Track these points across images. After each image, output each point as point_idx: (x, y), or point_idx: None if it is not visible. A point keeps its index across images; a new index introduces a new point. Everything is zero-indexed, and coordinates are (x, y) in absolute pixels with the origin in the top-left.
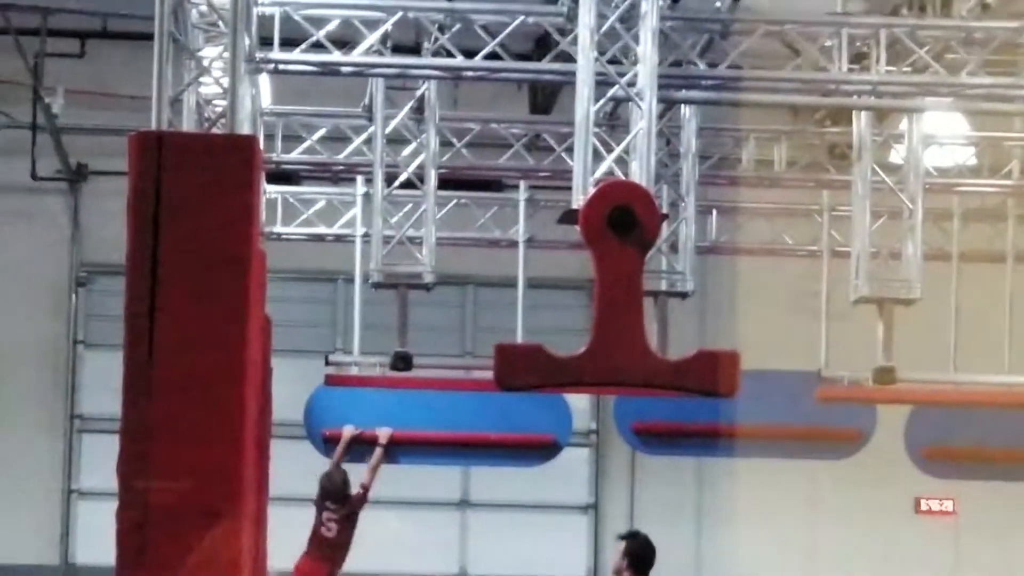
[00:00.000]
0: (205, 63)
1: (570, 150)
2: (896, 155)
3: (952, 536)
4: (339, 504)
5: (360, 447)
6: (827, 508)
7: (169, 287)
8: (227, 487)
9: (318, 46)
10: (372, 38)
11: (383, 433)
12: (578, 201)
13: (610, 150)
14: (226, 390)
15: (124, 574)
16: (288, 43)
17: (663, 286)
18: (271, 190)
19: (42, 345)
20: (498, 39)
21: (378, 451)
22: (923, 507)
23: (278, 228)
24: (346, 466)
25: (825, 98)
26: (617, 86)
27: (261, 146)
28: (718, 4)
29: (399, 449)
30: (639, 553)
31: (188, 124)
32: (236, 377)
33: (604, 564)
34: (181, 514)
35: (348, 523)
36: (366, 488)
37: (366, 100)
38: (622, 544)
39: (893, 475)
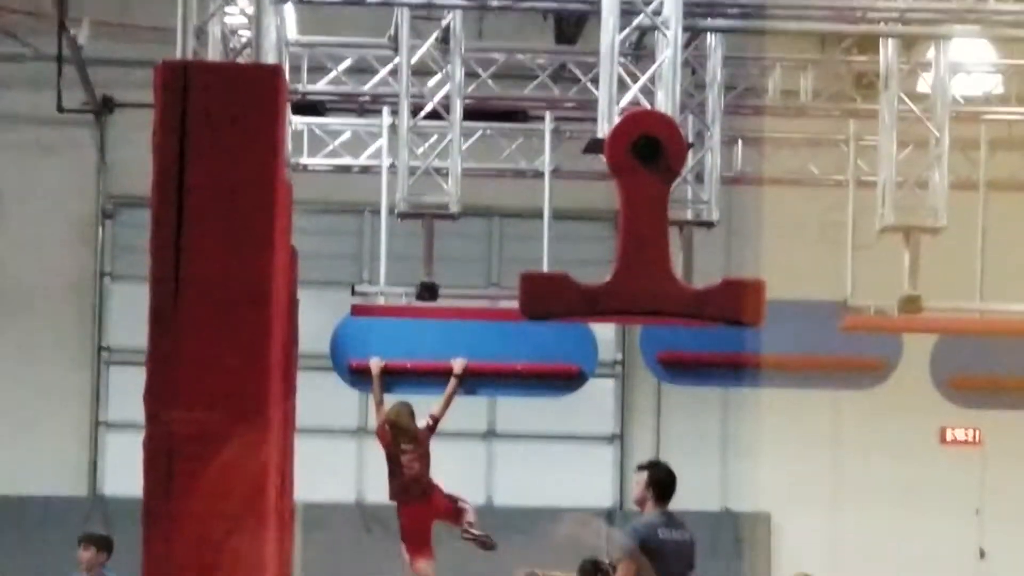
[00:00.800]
0: None
1: (596, 80)
2: (923, 84)
3: (978, 467)
4: (413, 442)
5: (391, 379)
6: (852, 438)
7: (195, 218)
8: (253, 416)
9: None
10: None
11: (458, 363)
12: (604, 130)
13: (635, 80)
14: (252, 320)
15: (151, 503)
16: None
17: (688, 216)
18: (297, 121)
19: (69, 277)
20: None
21: (452, 381)
22: (948, 437)
23: (304, 159)
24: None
25: (852, 26)
26: (643, 15)
27: (286, 76)
28: None
29: (424, 380)
30: (661, 481)
31: (213, 54)
32: (262, 307)
33: (629, 494)
34: (207, 443)
35: (426, 458)
36: (436, 419)
37: (391, 31)
38: (643, 474)
39: (918, 405)
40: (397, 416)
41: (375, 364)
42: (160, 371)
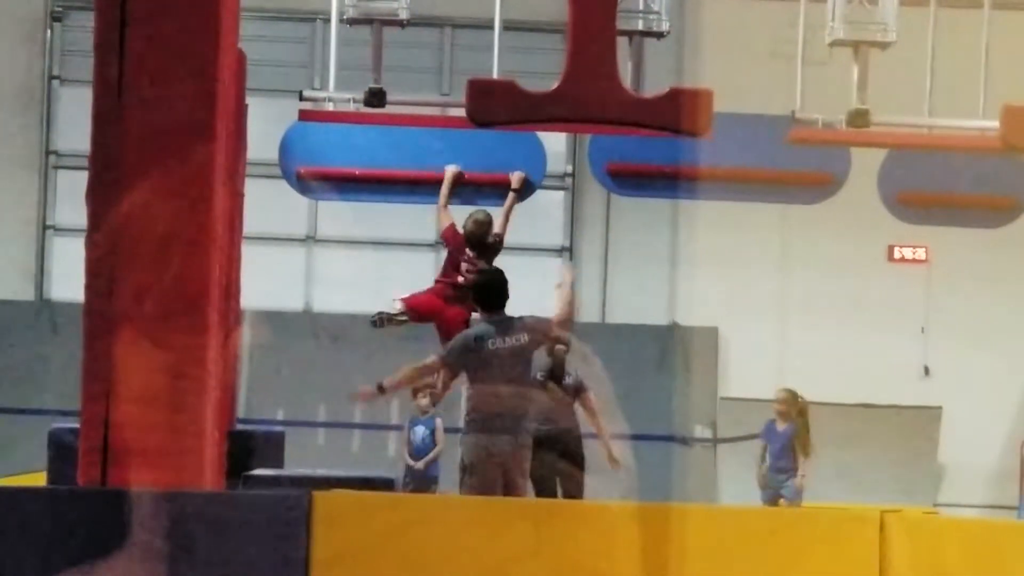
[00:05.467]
0: None
1: None
2: None
3: (923, 284)
4: (479, 252)
5: (347, 184)
6: (800, 254)
7: (139, 18)
8: (198, 217)
9: None
10: None
11: (515, 177)
12: None
13: None
14: (198, 118)
15: (93, 302)
16: None
17: (639, 26)
18: None
19: (16, 80)
20: None
21: (511, 196)
22: (896, 255)
23: None
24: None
25: None
26: None
27: None
28: None
29: (371, 187)
30: (482, 290)
31: None
32: (207, 105)
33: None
34: (150, 242)
35: None
36: (499, 236)
37: None
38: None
39: (867, 222)
40: (476, 225)
41: (451, 170)
42: (103, 169)
